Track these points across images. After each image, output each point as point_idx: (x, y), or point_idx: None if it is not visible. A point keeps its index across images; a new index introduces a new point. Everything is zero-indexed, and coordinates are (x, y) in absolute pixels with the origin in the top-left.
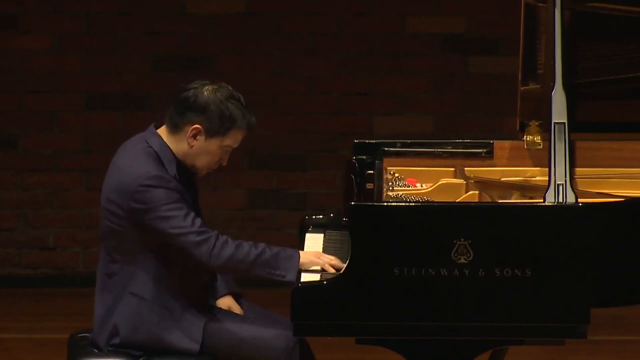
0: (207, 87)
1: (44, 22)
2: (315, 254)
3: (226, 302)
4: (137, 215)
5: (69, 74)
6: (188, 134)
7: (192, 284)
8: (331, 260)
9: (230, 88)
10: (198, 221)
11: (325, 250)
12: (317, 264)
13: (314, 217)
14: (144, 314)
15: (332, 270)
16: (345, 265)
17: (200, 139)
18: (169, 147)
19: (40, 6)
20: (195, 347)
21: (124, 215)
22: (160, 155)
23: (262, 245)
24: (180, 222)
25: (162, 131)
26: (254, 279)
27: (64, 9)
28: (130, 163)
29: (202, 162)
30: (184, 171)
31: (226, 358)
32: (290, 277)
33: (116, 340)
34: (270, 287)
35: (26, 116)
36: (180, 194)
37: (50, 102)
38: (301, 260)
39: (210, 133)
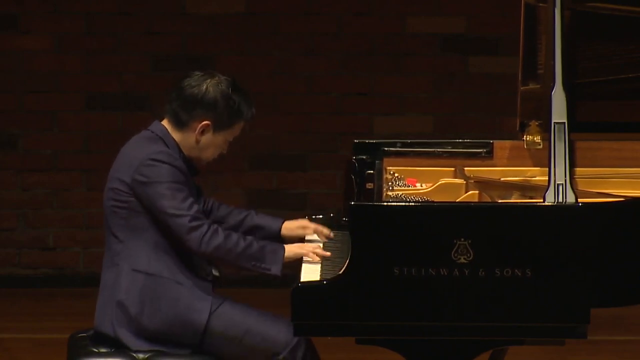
0: (209, 82)
1: (44, 22)
2: (298, 245)
3: (293, 225)
4: (138, 189)
5: (69, 74)
6: (197, 131)
7: (197, 262)
8: (314, 248)
9: (228, 78)
10: (195, 207)
11: (325, 250)
12: (300, 254)
13: (314, 217)
14: (151, 288)
15: (317, 259)
16: (329, 254)
17: (208, 134)
18: (172, 136)
19: (40, 6)
20: (204, 317)
21: (128, 191)
22: (165, 141)
23: (249, 238)
24: (179, 203)
25: (165, 123)
26: (244, 274)
27: (64, 9)
28: (138, 146)
29: (207, 155)
30: (186, 158)
31: (229, 346)
32: (275, 270)
33: (123, 319)
34: (270, 287)
35: (26, 116)
36: (184, 176)
37: (50, 102)
38: (286, 253)
39: (218, 128)
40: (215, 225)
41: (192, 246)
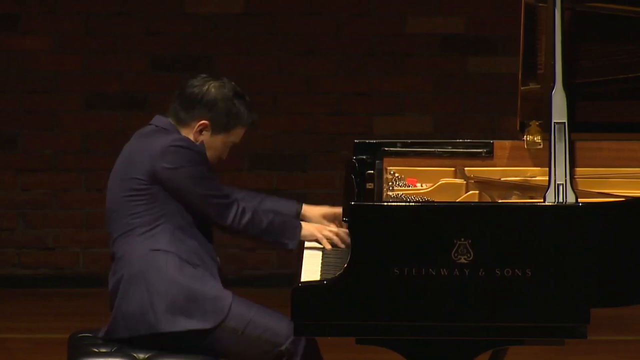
0: (212, 84)
1: (44, 22)
2: (316, 227)
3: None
4: (163, 176)
5: (69, 74)
6: (194, 129)
7: (208, 250)
8: (331, 236)
9: (233, 84)
10: (223, 186)
11: (326, 250)
12: (316, 237)
13: None
14: (173, 267)
15: (329, 247)
16: (344, 246)
17: (206, 134)
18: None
19: (40, 6)
20: (228, 295)
21: (148, 179)
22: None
23: (270, 214)
24: (211, 183)
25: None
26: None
27: (64, 9)
28: (149, 140)
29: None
30: None
31: (231, 338)
32: (292, 245)
33: (151, 300)
34: (271, 287)
35: (26, 116)
36: (205, 158)
37: (50, 102)
38: (303, 232)
39: (216, 129)
40: (242, 204)
41: (225, 224)
